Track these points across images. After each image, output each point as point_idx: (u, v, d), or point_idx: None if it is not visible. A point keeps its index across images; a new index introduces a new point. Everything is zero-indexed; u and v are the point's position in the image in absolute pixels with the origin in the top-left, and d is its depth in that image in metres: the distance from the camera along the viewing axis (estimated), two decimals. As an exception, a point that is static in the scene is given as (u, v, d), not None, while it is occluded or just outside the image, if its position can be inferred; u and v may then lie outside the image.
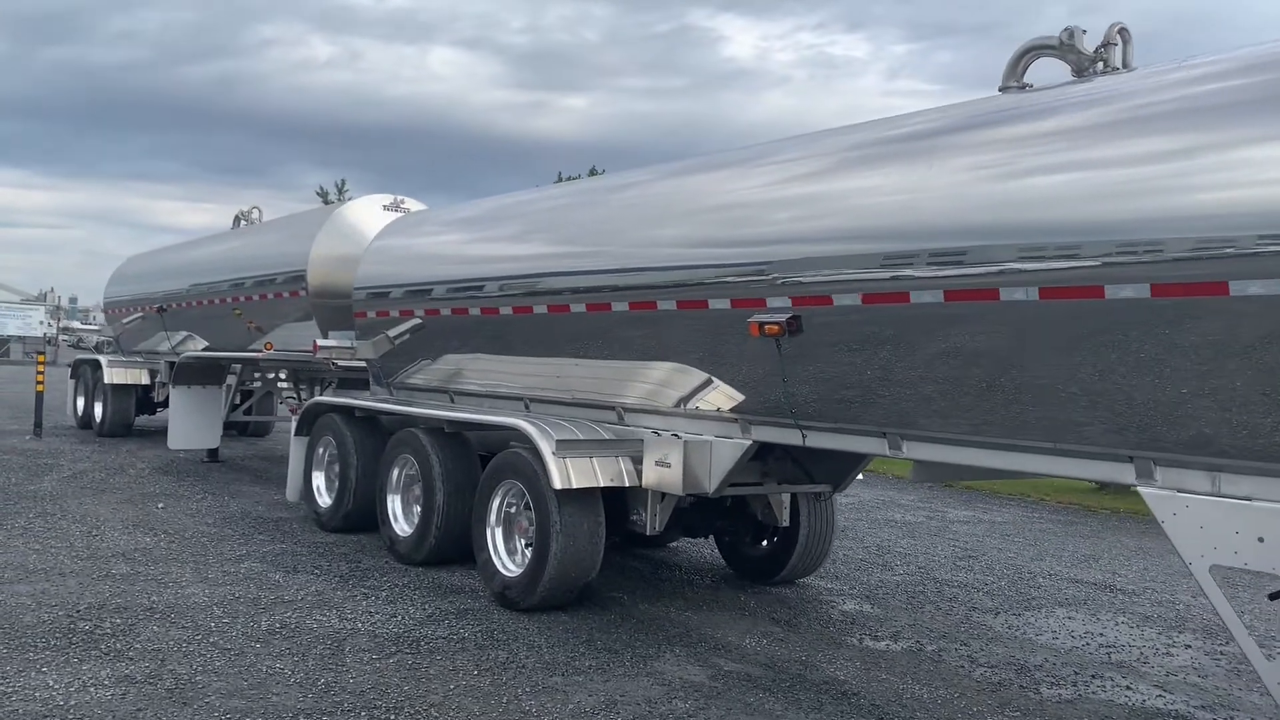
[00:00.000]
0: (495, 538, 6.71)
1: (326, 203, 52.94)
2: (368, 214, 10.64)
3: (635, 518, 6.43)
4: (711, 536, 7.80)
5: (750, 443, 5.74)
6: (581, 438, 6.30)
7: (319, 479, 9.07)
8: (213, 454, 13.11)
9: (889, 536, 9.96)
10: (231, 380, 13.27)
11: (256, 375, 13.64)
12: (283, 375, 13.77)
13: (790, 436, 5.51)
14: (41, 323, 52.57)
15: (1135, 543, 10.48)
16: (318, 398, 9.21)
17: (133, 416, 15.66)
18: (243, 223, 14.92)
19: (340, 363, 10.33)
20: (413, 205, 10.97)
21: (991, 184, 4.46)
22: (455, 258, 8.22)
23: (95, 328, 18.87)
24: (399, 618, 6.15)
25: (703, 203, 6.07)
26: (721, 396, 5.88)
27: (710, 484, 5.92)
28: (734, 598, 7.10)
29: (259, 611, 6.16)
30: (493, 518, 6.73)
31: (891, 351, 4.78)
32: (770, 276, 5.27)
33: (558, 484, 6.02)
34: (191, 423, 12.61)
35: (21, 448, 13.60)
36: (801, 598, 7.25)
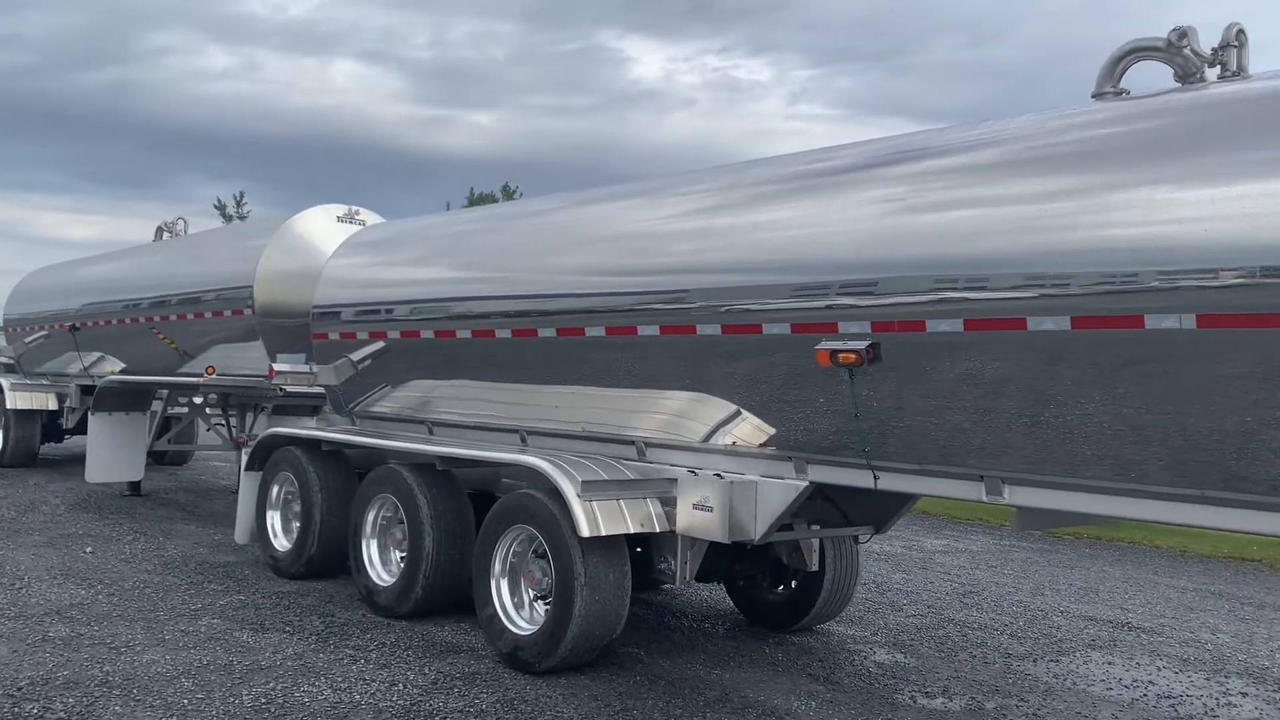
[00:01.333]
0: (501, 590, 5.98)
1: (225, 216, 51.05)
2: (320, 226, 9.79)
3: (663, 565, 5.78)
4: (722, 581, 7.18)
5: (806, 484, 5.15)
6: (606, 478, 5.63)
7: (274, 519, 8.17)
8: (134, 487, 11.99)
9: (879, 571, 9.48)
10: (157, 406, 12.16)
11: (183, 401, 12.55)
12: (212, 401, 12.72)
13: (858, 478, 4.94)
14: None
15: (1120, 572, 10.24)
16: (275, 429, 8.32)
17: (38, 445, 14.34)
18: (166, 235, 13.82)
19: (290, 389, 9.47)
20: (369, 216, 10.14)
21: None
22: (437, 274, 7.47)
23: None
24: (400, 686, 5.37)
25: (741, 236, 5.48)
26: (767, 432, 5.29)
27: (756, 530, 5.32)
28: (757, 649, 6.49)
29: (235, 682, 5.32)
30: (498, 568, 6.00)
31: (998, 384, 4.25)
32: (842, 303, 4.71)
33: (585, 531, 5.34)
34: (112, 453, 11.49)
35: (-87, 481, 12.26)
36: (827, 647, 6.67)
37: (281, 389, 9.43)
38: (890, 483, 4.81)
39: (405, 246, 8.17)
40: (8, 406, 13.87)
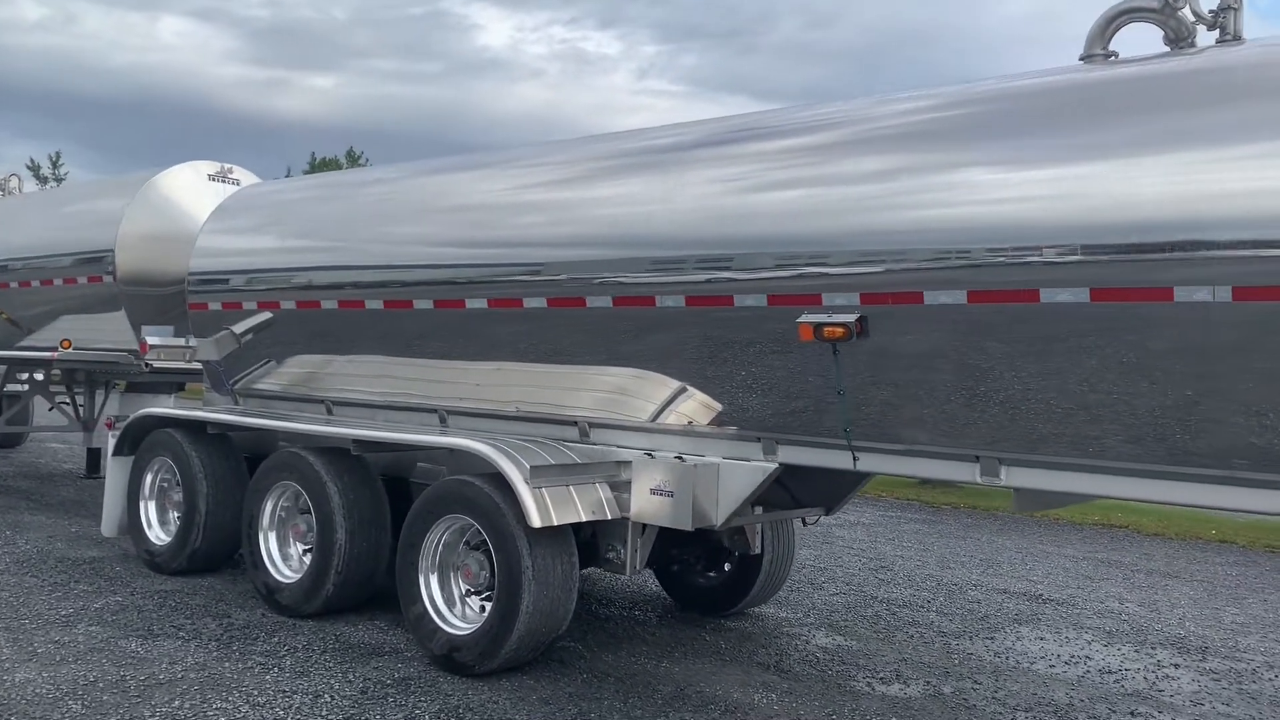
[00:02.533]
0: (431, 586, 5.46)
1: (39, 177, 47.10)
2: (188, 185, 8.90)
3: (611, 555, 5.38)
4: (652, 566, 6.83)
5: (775, 466, 4.83)
6: (553, 462, 5.18)
7: (149, 509, 7.35)
8: (-34, 474, 10.74)
9: (788, 548, 9.32)
10: (-5, 384, 10.91)
11: (21, 377, 11.32)
12: (55, 377, 11.52)
13: (834, 459, 4.66)
14: None
15: (1010, 542, 10.43)
16: (149, 409, 7.46)
17: None
18: (1, 193, 12.44)
19: (158, 364, 8.57)
20: (244, 175, 9.29)
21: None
22: (342, 238, 6.80)
23: None
24: (326, 697, 4.81)
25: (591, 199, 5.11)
26: (727, 411, 4.95)
27: (718, 516, 4.98)
28: (697, 637, 6.17)
29: (133, 702, 4.65)
30: (426, 562, 5.47)
31: (999, 358, 4.02)
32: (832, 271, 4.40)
33: (536, 521, 4.88)
34: (-60, 437, 10.23)
35: None
36: (765, 631, 6.42)
37: (149, 365, 8.53)
38: (872, 464, 4.55)
39: (299, 207, 7.42)
40: None
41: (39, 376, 11.38)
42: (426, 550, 5.46)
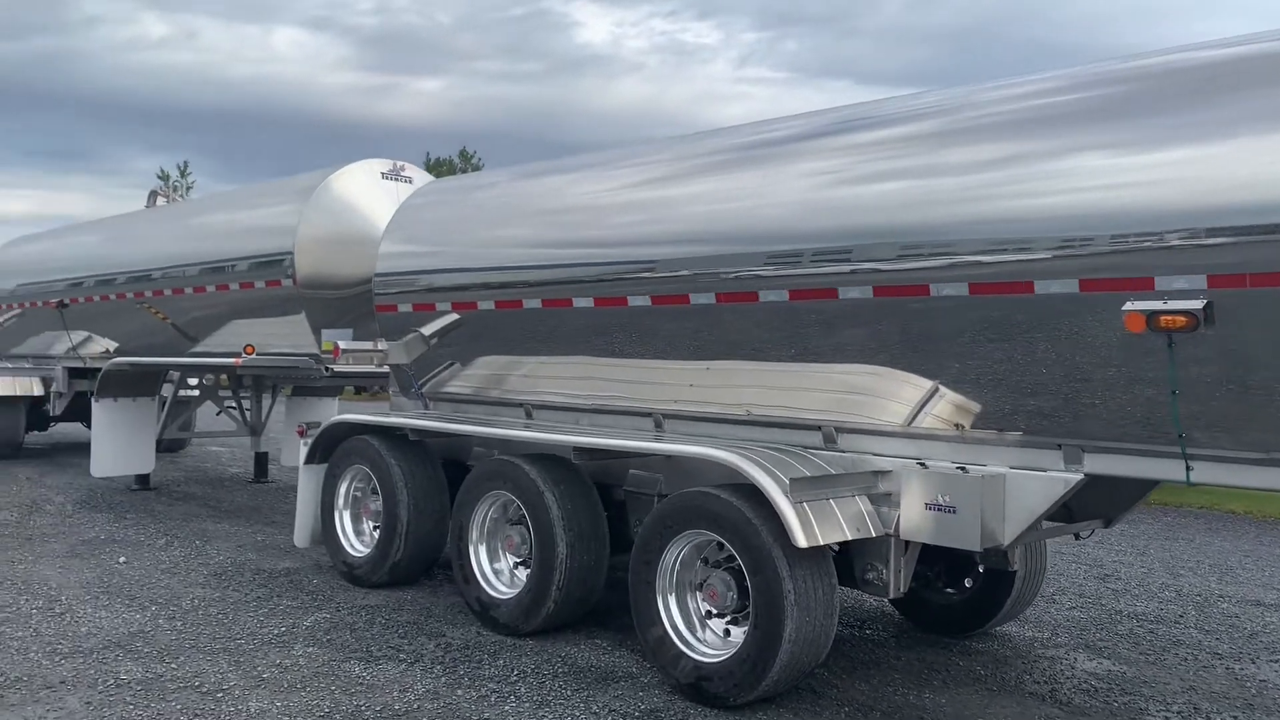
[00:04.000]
0: (670, 608, 5.01)
1: (168, 185, 48.72)
2: (362, 185, 8.65)
3: (870, 575, 4.85)
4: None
5: (1080, 477, 4.23)
6: (809, 474, 4.67)
7: (344, 520, 7.11)
8: (143, 480, 10.81)
9: (994, 553, 8.65)
10: (168, 391, 10.96)
11: (193, 383, 11.37)
12: (223, 382, 11.56)
13: (1158, 469, 4.03)
14: None
15: (1228, 544, 9.52)
16: (343, 415, 7.22)
17: (23, 434, 13.05)
18: (161, 200, 12.57)
19: (342, 369, 8.38)
20: (416, 173, 9.03)
21: None
22: (542, 230, 6.40)
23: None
24: (578, 733, 4.41)
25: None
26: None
27: (1006, 534, 4.41)
28: (947, 661, 5.60)
29: (377, 737, 4.32)
30: (664, 581, 5.03)
31: (1398, 353, 3.35)
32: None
33: (801, 540, 4.38)
34: (120, 444, 10.32)
35: (-111, 479, 10.97)
36: (1017, 653, 5.81)
37: (329, 369, 8.34)
38: (1210, 474, 3.90)
39: (490, 202, 7.06)
40: (-11, 393, 12.55)
41: (208, 381, 11.43)
42: (664, 568, 5.02)
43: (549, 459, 5.85)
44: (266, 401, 11.60)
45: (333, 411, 11.99)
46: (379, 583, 6.74)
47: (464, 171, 35.49)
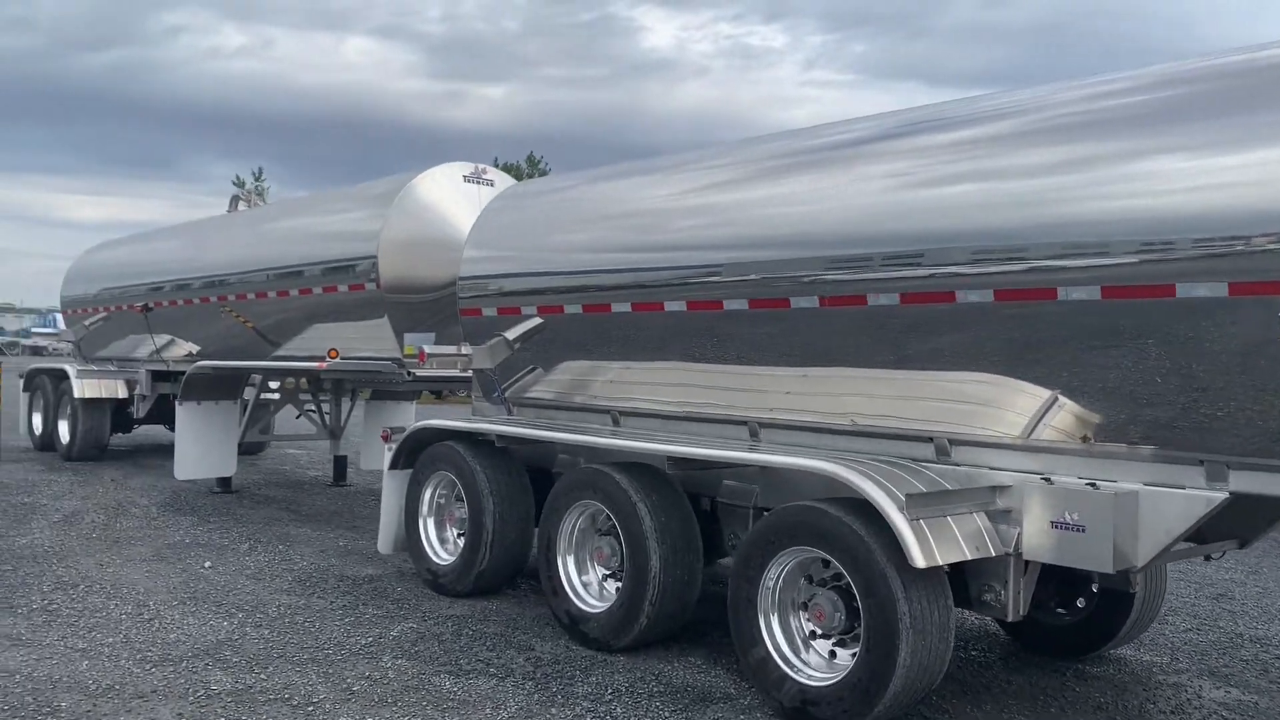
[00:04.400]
0: (773, 628, 4.79)
1: (250, 190, 49.60)
2: (444, 188, 8.57)
3: (988, 597, 4.58)
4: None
5: (1224, 496, 3.92)
6: (926, 489, 4.42)
7: (429, 527, 7.01)
8: (224, 483, 10.86)
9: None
10: (250, 394, 11.01)
11: (273, 386, 11.41)
12: (303, 385, 11.59)
13: (1317, 489, 3.71)
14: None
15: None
16: (428, 421, 7.12)
17: (108, 436, 13.24)
18: (243, 205, 12.67)
19: (422, 373, 8.31)
20: (497, 176, 8.93)
21: None
22: (632, 233, 6.22)
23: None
24: (680, 758, 4.21)
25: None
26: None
27: (1140, 555, 4.11)
28: (1064, 687, 5.30)
29: (472, 758, 4.17)
30: (766, 600, 4.81)
31: None
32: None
33: (920, 560, 4.13)
34: (203, 446, 10.37)
35: (-19, 479, 11.17)
36: (1137, 680, 5.48)
37: (411, 373, 8.27)
38: (1377, 496, 3.58)
39: (577, 205, 6.90)
40: (75, 395, 12.75)
41: (289, 385, 11.47)
42: (765, 586, 4.80)
43: (640, 468, 5.67)
44: (346, 405, 11.60)
45: (410, 415, 12.00)
46: (464, 592, 6.62)
47: (530, 177, 35.45)
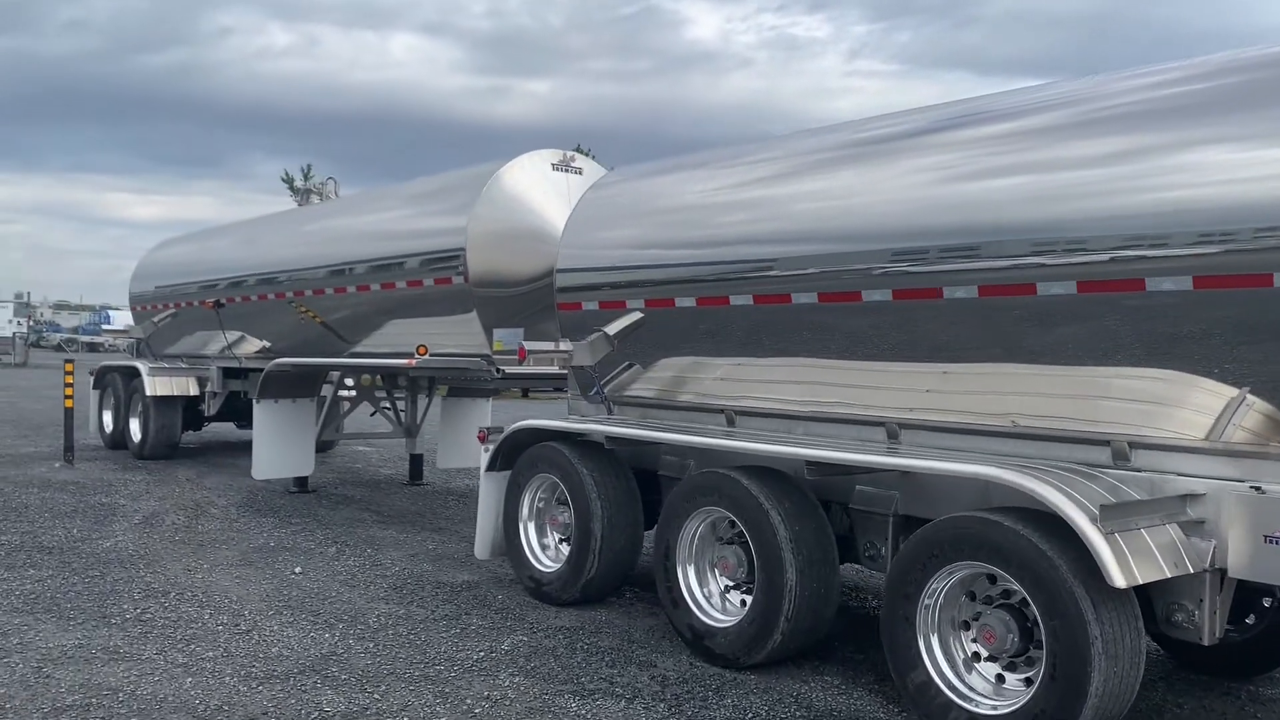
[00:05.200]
0: (933, 650, 4.38)
1: (293, 189, 49.32)
2: (533, 177, 8.23)
3: (1179, 618, 4.14)
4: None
5: None
6: (1115, 500, 3.99)
7: (529, 532, 6.67)
8: (301, 483, 10.63)
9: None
10: (327, 391, 10.77)
11: (349, 383, 11.16)
12: (377, 383, 11.34)
13: None
14: (10, 321, 49.35)
15: None
16: (529, 421, 6.78)
17: (179, 434, 13.09)
18: (314, 198, 12.45)
19: (511, 370, 7.99)
20: (586, 164, 8.58)
21: None
22: (753, 218, 5.82)
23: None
24: (846, 796, 3.82)
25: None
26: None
27: (1369, 573, 3.65)
28: (1239, 712, 4.84)
29: (619, 793, 3.81)
30: (926, 619, 4.40)
31: None
32: None
33: (1119, 580, 3.70)
34: (281, 445, 10.13)
35: (56, 479, 11.05)
36: (1319, 704, 5.00)
37: (501, 370, 7.94)
38: None
39: (686, 191, 6.49)
40: (147, 393, 12.61)
41: (365, 382, 11.22)
42: (925, 604, 4.39)
43: (767, 472, 5.28)
44: (422, 402, 11.33)
45: (487, 413, 11.70)
46: (569, 601, 6.28)
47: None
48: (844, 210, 5.35)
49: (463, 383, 10.14)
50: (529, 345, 6.69)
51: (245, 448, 14.20)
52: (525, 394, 10.96)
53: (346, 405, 11.31)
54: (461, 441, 11.44)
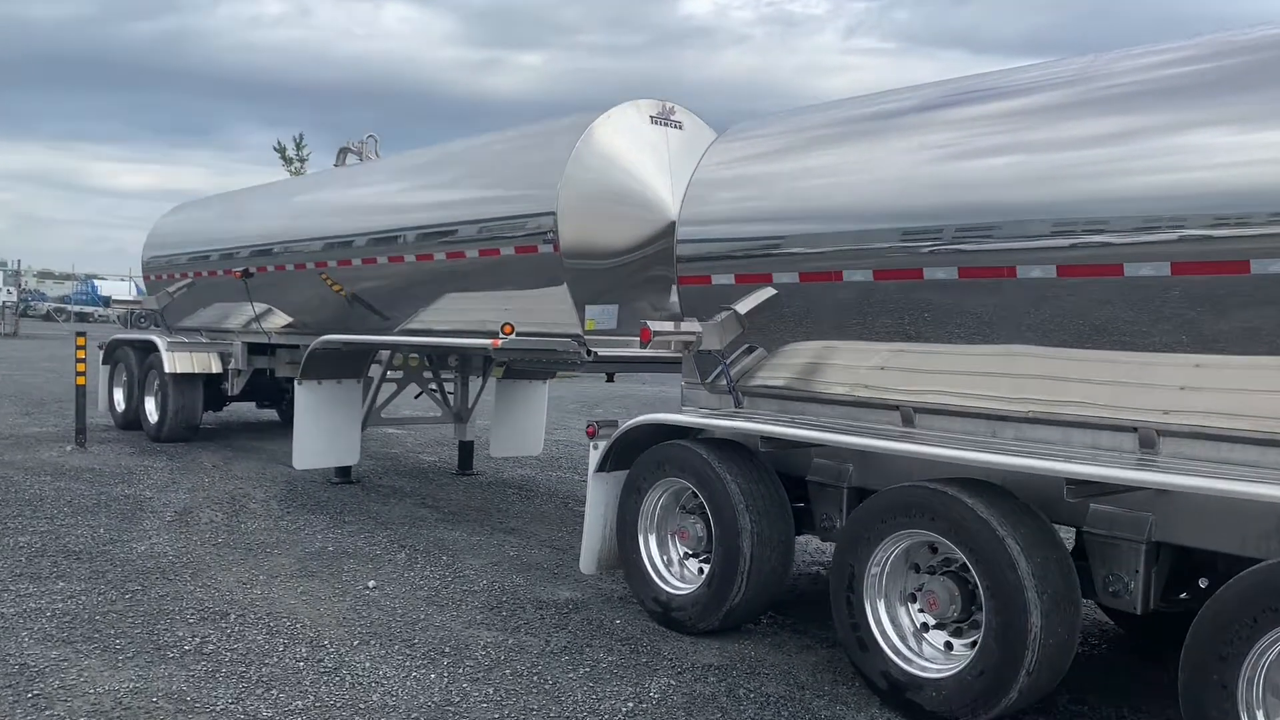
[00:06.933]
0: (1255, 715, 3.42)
1: (285, 159, 47.14)
2: (630, 132, 7.14)
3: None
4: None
5: None
6: None
7: (649, 546, 5.68)
8: (344, 473, 9.61)
9: None
10: (375, 372, 9.74)
11: (397, 364, 10.10)
12: (426, 363, 10.29)
13: None
14: (0, 289, 48.03)
15: None
16: (656, 415, 5.76)
17: (200, 415, 12.04)
18: (351, 157, 11.31)
19: (604, 353, 6.98)
20: (686, 116, 7.49)
21: None
22: (948, 173, 4.80)
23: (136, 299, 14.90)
24: None
25: None
26: None
27: None
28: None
29: None
30: (1250, 691, 3.42)
31: None
32: None
33: None
34: (325, 432, 9.10)
35: (69, 466, 10.00)
36: None
37: (592, 352, 6.92)
38: None
39: (868, 141, 5.39)
40: (166, 370, 11.54)
41: (412, 362, 10.18)
42: (1248, 667, 3.41)
43: (987, 487, 4.29)
44: (474, 385, 10.31)
45: (544, 397, 10.68)
46: (706, 630, 5.30)
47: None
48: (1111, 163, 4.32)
49: (534, 366, 9.08)
50: (654, 326, 5.66)
51: (268, 429, 13.24)
52: (610, 378, 9.90)
53: (394, 388, 10.24)
54: (520, 428, 10.46)
